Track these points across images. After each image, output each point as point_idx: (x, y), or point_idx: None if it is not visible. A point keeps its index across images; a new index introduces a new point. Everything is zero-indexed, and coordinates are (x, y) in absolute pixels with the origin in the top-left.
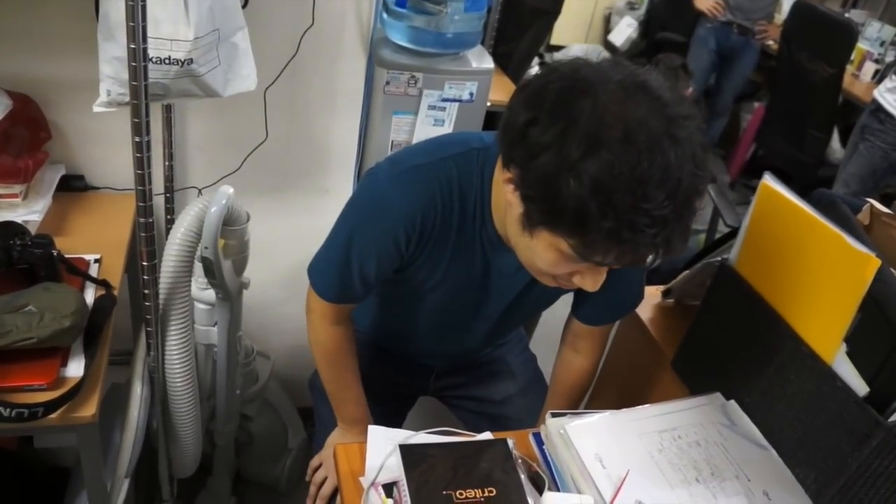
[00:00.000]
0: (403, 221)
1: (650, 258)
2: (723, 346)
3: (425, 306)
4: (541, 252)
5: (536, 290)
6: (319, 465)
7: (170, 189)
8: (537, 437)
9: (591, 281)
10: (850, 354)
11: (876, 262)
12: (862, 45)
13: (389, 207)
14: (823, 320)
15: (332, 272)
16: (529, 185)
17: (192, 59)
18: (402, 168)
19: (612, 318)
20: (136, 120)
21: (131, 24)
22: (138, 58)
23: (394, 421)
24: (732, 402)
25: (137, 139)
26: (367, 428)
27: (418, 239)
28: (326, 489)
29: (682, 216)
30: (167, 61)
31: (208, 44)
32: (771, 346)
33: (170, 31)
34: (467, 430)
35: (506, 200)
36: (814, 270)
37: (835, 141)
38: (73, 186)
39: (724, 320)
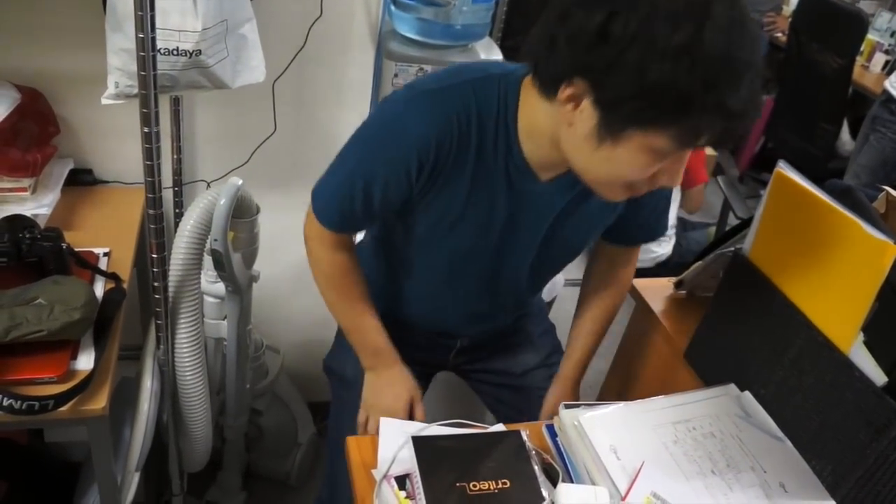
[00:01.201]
0: (417, 147)
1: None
2: (736, 337)
3: (446, 255)
4: (628, 158)
5: (570, 223)
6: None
7: (178, 182)
8: (550, 428)
9: (673, 173)
10: (867, 344)
11: (894, 250)
12: (872, 36)
13: (403, 132)
14: (840, 309)
15: (335, 194)
16: (616, 86)
17: (200, 51)
18: (417, 91)
19: (637, 239)
20: (144, 110)
21: (139, 13)
22: (147, 47)
23: None
24: (747, 393)
25: (146, 129)
26: (395, 358)
27: (432, 167)
28: (372, 426)
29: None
30: (175, 52)
31: (216, 35)
32: (786, 336)
33: (178, 23)
34: (488, 402)
35: (562, 122)
36: (830, 259)
37: (845, 133)
38: (81, 180)
39: (737, 311)
